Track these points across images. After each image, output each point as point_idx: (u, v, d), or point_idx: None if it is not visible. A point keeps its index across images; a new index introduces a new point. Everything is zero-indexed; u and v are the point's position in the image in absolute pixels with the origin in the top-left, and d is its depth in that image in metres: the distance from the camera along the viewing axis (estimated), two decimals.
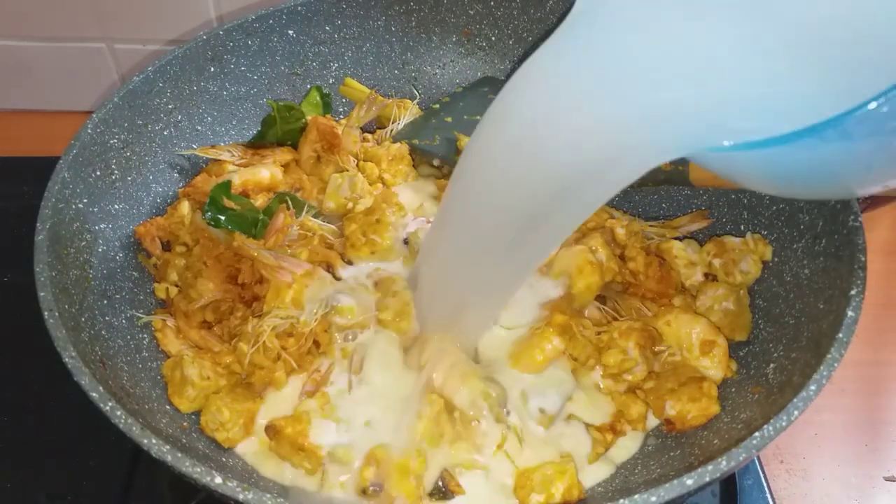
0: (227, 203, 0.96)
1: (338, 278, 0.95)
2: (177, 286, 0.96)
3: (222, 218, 0.94)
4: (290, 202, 1.01)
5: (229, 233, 0.93)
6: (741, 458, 0.68)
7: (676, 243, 1.00)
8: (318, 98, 1.19)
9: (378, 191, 1.06)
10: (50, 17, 1.22)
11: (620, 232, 1.00)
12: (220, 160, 1.08)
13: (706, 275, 1.00)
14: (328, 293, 0.91)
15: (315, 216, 1.02)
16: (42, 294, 0.78)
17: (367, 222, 0.96)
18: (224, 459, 0.84)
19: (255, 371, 0.87)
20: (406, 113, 1.17)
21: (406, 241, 0.99)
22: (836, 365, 0.75)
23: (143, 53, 1.27)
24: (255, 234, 0.95)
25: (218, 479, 0.66)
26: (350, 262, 0.97)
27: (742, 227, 1.03)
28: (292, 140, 1.13)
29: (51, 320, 0.76)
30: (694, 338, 0.92)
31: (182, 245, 0.98)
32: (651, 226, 1.04)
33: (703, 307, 0.96)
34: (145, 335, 0.93)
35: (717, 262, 0.98)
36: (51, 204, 0.87)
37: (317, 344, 0.90)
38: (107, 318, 0.90)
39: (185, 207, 0.99)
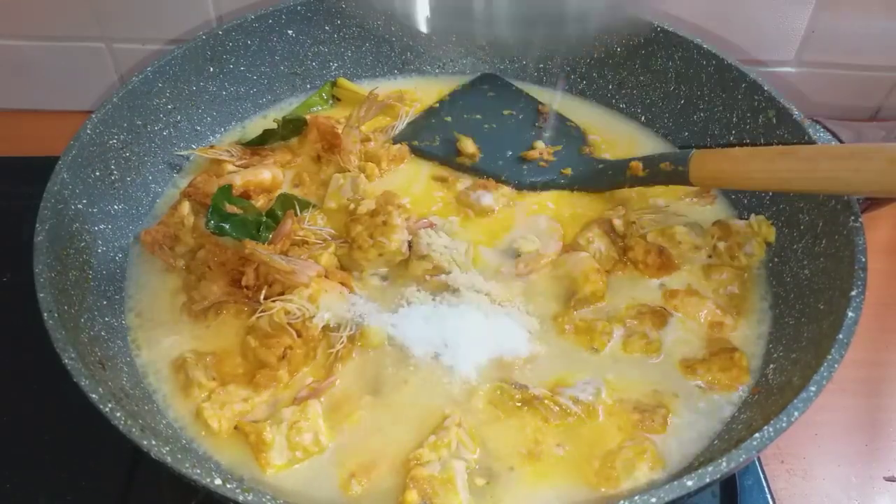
0: (229, 208, 0.96)
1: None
2: None
3: (226, 226, 0.94)
4: (296, 205, 1.01)
5: (237, 239, 0.94)
6: (741, 459, 0.68)
7: (679, 228, 1.00)
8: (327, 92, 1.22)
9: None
10: (49, 16, 1.22)
11: (618, 223, 1.00)
12: (219, 160, 1.08)
13: (710, 256, 1.00)
14: (348, 310, 0.90)
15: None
16: (42, 295, 0.78)
17: (373, 224, 0.94)
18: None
19: (259, 369, 0.87)
20: (406, 114, 1.17)
21: (409, 244, 0.96)
22: (836, 366, 0.75)
23: (142, 53, 1.27)
24: (258, 236, 0.95)
25: (217, 481, 0.66)
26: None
27: None
28: (293, 138, 1.13)
29: (50, 321, 0.76)
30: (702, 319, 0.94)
31: (184, 246, 0.98)
32: (652, 212, 1.04)
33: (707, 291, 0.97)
34: None
35: (721, 245, 0.98)
36: (50, 204, 0.87)
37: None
38: (106, 320, 0.90)
39: (185, 208, 0.99)
